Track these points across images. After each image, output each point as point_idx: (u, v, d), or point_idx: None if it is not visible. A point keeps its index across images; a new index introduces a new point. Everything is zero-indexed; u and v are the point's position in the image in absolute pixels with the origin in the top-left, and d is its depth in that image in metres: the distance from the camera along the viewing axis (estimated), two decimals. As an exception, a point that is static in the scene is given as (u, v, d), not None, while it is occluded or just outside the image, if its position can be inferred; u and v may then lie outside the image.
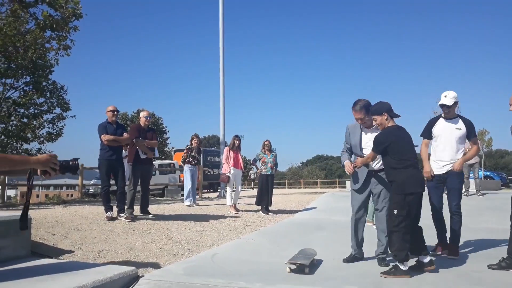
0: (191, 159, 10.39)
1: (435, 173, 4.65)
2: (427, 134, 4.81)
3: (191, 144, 10.62)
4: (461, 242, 5.31)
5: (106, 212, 6.84)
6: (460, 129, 4.59)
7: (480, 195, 11.00)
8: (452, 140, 4.59)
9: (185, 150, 10.70)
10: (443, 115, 4.74)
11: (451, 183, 4.58)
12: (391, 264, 3.79)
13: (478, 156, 11.16)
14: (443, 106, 4.61)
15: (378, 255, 4.13)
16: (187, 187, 10.36)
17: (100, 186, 7.09)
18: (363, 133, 4.24)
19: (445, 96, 4.57)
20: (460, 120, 4.65)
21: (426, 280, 3.55)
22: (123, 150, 10.96)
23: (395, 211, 3.68)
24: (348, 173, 4.16)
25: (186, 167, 10.46)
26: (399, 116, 3.94)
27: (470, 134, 4.65)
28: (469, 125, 4.62)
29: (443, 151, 4.62)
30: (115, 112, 7.00)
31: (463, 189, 12.03)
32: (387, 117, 3.87)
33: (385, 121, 3.88)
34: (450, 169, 4.56)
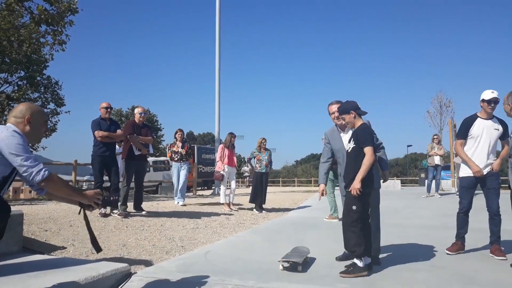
0: (173, 155, 9.62)
1: (473, 174, 4.55)
2: (465, 134, 4.67)
3: (175, 138, 9.81)
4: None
5: (99, 208, 6.75)
6: (498, 129, 4.54)
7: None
8: (491, 140, 4.53)
9: (168, 147, 9.91)
10: (481, 114, 4.62)
11: (491, 183, 4.51)
12: (349, 262, 3.76)
13: None
14: (492, 101, 4.46)
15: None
16: (175, 185, 9.78)
17: (93, 183, 7.02)
18: (341, 135, 4.28)
19: (493, 92, 4.49)
20: (497, 120, 4.60)
21: (419, 279, 3.57)
22: (117, 146, 10.91)
23: (354, 207, 3.68)
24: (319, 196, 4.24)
25: (172, 164, 9.80)
26: (366, 113, 3.93)
27: (505, 134, 4.59)
28: (505, 125, 4.59)
29: (483, 151, 4.53)
30: (109, 109, 6.96)
31: (456, 189, 12.15)
32: (355, 115, 3.87)
33: (354, 119, 3.87)
34: (489, 170, 4.52)
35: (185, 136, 10.13)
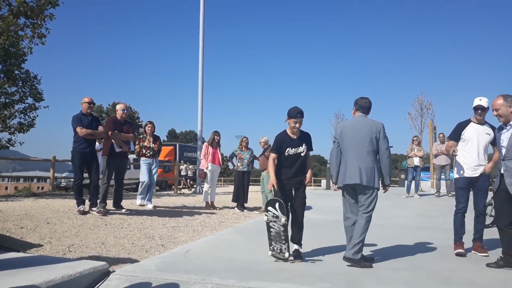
0: (144, 151, 8.19)
1: (466, 175, 4.80)
2: (456, 136, 4.95)
3: (145, 132, 8.45)
4: (433, 241, 5.45)
5: (78, 205, 6.67)
6: (489, 134, 4.76)
7: (450, 196, 11.27)
8: (482, 144, 4.76)
9: (137, 142, 8.35)
10: (473, 119, 4.89)
11: (482, 185, 4.75)
12: (295, 248, 4.27)
13: (449, 159, 11.43)
14: (478, 108, 4.74)
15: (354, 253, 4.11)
16: (142, 183, 8.21)
17: (72, 179, 6.85)
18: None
19: (480, 100, 4.77)
20: (489, 126, 4.82)
21: (399, 278, 3.61)
22: (97, 143, 10.72)
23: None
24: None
25: (142, 161, 8.24)
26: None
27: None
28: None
29: (475, 154, 4.77)
30: (91, 104, 6.82)
31: (435, 190, 12.36)
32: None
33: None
34: (482, 171, 4.74)
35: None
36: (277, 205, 4.09)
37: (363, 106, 4.30)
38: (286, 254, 4.11)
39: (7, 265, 3.15)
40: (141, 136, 8.50)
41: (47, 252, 4.19)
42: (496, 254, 4.40)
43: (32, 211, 6.71)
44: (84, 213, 6.56)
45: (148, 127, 8.36)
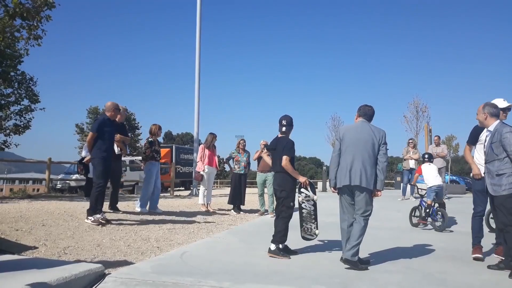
0: (155, 154, 8.04)
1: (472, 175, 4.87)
2: (474, 140, 5.02)
3: (151, 135, 8.18)
4: (428, 244, 5.47)
5: (93, 214, 6.00)
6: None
7: (446, 198, 11.33)
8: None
9: (147, 144, 8.09)
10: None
11: None
12: (273, 246, 4.53)
13: (444, 161, 11.48)
14: (507, 109, 4.81)
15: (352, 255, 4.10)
16: (149, 189, 8.01)
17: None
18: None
19: (504, 100, 4.80)
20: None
21: (393, 280, 3.62)
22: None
23: (292, 203, 4.67)
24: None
25: (150, 165, 8.00)
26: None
27: None
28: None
29: None
30: (117, 110, 6.66)
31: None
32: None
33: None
34: None
35: None
36: (308, 187, 4.76)
37: (367, 113, 4.41)
38: (317, 232, 4.84)
39: (2, 267, 3.14)
40: (150, 139, 8.10)
41: (42, 254, 4.17)
42: None
43: (27, 213, 6.67)
44: (106, 221, 6.07)
45: (160, 130, 8.40)
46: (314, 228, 4.82)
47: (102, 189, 6.12)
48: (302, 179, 4.71)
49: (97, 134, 6.14)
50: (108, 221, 6.13)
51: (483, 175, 4.76)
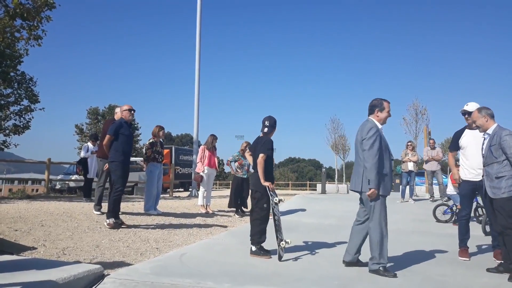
0: (156, 156, 8.09)
1: (470, 179, 4.87)
2: (455, 146, 5.12)
3: (154, 137, 8.25)
4: (427, 246, 5.47)
5: (110, 218, 5.95)
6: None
7: (445, 200, 11.33)
8: (480, 148, 4.72)
9: (147, 145, 8.15)
10: (467, 126, 5.04)
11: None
12: (254, 248, 4.57)
13: (439, 164, 11.50)
14: (464, 113, 4.94)
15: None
16: (152, 191, 8.09)
17: (116, 188, 6.08)
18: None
19: (467, 105, 4.95)
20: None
21: (393, 284, 3.62)
22: (90, 145, 10.63)
23: (265, 205, 4.59)
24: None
25: (151, 166, 8.08)
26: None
27: None
28: None
29: (475, 159, 4.81)
30: (132, 111, 6.63)
31: (429, 195, 12.40)
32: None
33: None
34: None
35: None
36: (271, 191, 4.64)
37: (368, 108, 4.25)
38: (289, 240, 4.47)
39: (0, 268, 3.13)
40: (151, 140, 8.17)
41: (41, 255, 4.16)
42: None
43: (26, 213, 6.67)
44: (117, 226, 5.96)
45: (163, 132, 8.40)
46: (284, 237, 4.49)
47: (121, 193, 6.13)
48: (265, 183, 4.55)
49: (114, 137, 6.14)
50: (123, 224, 6.11)
51: (464, 179, 4.95)
